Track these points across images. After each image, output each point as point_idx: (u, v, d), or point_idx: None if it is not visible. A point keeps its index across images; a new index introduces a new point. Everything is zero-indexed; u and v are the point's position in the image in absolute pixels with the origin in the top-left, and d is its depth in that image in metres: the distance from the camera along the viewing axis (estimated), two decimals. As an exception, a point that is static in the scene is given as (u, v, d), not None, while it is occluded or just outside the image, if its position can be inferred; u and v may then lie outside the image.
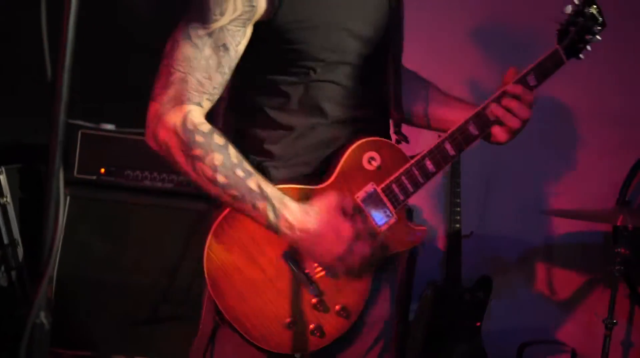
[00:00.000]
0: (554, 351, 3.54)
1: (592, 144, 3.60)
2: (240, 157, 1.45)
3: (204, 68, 1.42)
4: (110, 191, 3.03)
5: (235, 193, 1.43)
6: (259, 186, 1.44)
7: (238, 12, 1.42)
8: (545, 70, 1.63)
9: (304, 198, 1.51)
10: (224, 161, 1.42)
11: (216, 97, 1.48)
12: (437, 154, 1.61)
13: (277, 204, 1.45)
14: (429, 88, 1.82)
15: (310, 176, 1.57)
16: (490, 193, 3.61)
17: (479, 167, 3.55)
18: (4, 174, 2.88)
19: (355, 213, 1.53)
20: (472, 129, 1.62)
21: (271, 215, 1.44)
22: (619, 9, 2.84)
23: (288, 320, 1.52)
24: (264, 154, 1.57)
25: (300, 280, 1.52)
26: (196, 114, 1.43)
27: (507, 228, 3.58)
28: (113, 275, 3.04)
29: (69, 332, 3.01)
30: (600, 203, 3.53)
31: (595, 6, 1.68)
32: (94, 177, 3.01)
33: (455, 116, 1.67)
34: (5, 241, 2.89)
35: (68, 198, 2.97)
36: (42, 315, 0.77)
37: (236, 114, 1.64)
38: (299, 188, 1.53)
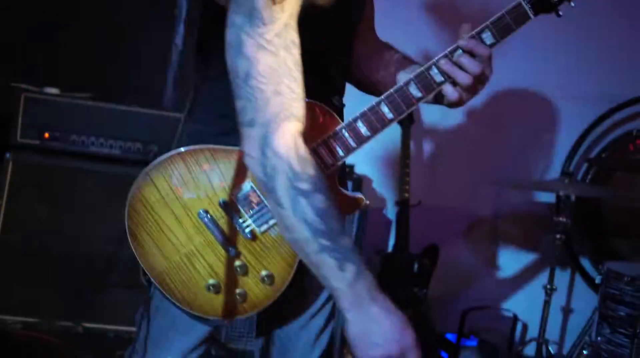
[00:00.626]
0: (496, 317, 3.64)
1: (540, 117, 3.68)
2: (337, 205, 1.33)
3: (288, 72, 1.33)
4: (55, 157, 2.96)
5: (326, 243, 1.30)
6: (353, 246, 1.32)
7: (295, 5, 1.34)
8: (504, 27, 1.48)
9: (221, 155, 1.48)
10: (326, 205, 1.30)
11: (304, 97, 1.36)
12: (371, 116, 1.51)
13: (361, 268, 1.31)
14: (387, 53, 1.76)
15: None
16: (440, 163, 3.67)
17: (429, 137, 3.60)
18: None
19: None
20: (414, 91, 1.51)
21: (351, 277, 1.30)
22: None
23: (209, 281, 1.50)
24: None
25: (218, 240, 1.49)
26: (301, 138, 1.32)
27: (455, 198, 3.65)
28: (59, 243, 2.99)
29: (14, 299, 2.96)
30: (547, 174, 3.64)
31: None
32: (38, 142, 2.94)
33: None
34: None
35: (10, 163, 2.91)
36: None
37: (215, 98, 1.55)
38: (217, 148, 1.49)
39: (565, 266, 3.67)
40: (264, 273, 1.51)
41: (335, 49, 1.61)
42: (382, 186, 3.59)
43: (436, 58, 1.52)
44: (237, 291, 1.51)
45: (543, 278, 3.36)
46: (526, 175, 3.63)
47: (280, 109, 1.32)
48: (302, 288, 1.63)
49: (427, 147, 3.61)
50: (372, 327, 1.31)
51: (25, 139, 2.93)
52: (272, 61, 1.32)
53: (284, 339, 1.74)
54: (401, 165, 3.35)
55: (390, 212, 3.59)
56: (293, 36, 1.35)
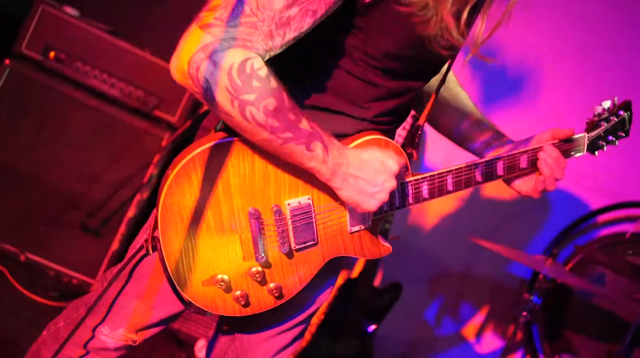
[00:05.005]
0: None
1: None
2: (291, 100, 1.31)
3: (282, 25, 1.26)
4: (53, 78, 2.84)
5: (288, 135, 1.31)
6: (311, 126, 1.33)
7: None
8: (565, 150, 1.73)
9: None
10: (277, 105, 1.28)
11: (277, 52, 1.31)
12: (435, 182, 1.58)
13: (327, 142, 1.35)
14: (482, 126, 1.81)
15: None
16: (429, 206, 3.59)
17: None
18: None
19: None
20: (478, 175, 1.64)
21: (323, 153, 1.35)
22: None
23: (220, 275, 1.42)
24: None
25: (255, 242, 1.42)
26: (258, 61, 1.27)
27: (432, 244, 3.57)
28: (28, 164, 2.87)
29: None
30: (529, 249, 3.57)
31: (630, 113, 1.77)
32: (41, 58, 2.82)
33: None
34: None
35: (7, 70, 2.78)
36: None
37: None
38: None
39: (520, 346, 3.60)
40: (275, 284, 1.48)
41: (425, 78, 1.57)
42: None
43: (521, 149, 1.70)
44: (242, 294, 1.46)
45: (496, 352, 3.28)
46: (508, 244, 3.55)
47: (245, 39, 1.25)
48: (290, 304, 1.57)
49: (423, 186, 3.53)
50: (358, 182, 1.38)
51: (29, 50, 2.81)
52: (277, 4, 1.25)
53: (245, 344, 1.70)
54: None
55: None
56: (319, 8, 1.28)
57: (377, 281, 3.30)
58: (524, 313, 3.00)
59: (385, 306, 3.27)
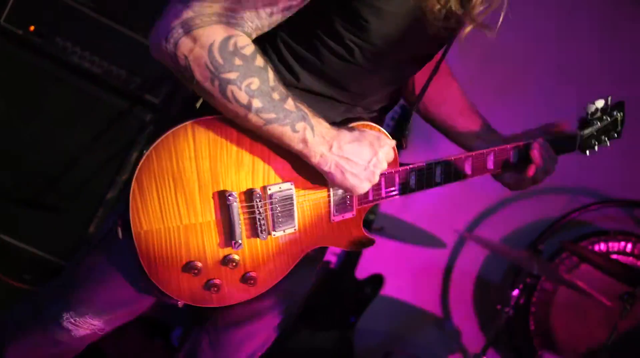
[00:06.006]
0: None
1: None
2: (277, 79, 1.27)
3: (269, 2, 1.22)
4: (33, 53, 2.75)
5: (272, 116, 1.26)
6: (296, 106, 1.29)
7: None
8: (557, 147, 1.69)
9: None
10: (261, 85, 1.24)
11: (265, 31, 1.27)
12: (424, 173, 1.54)
13: (314, 123, 1.31)
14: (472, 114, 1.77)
15: None
16: (414, 197, 3.55)
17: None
18: None
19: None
20: (467, 168, 1.60)
21: (309, 134, 1.30)
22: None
23: (194, 262, 1.36)
24: None
25: (232, 227, 1.36)
26: (242, 39, 1.22)
27: (417, 236, 3.54)
28: (3, 142, 2.78)
29: None
30: (514, 243, 3.55)
31: (622, 114, 1.74)
32: (21, 32, 2.73)
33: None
34: None
35: (-16, 43, 2.70)
36: None
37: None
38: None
39: (502, 342, 3.58)
40: (251, 274, 1.43)
41: (419, 64, 1.53)
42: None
43: (513, 144, 1.66)
44: (215, 281, 1.40)
45: (477, 346, 3.26)
46: (493, 238, 3.53)
47: (230, 16, 1.20)
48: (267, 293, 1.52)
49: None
50: (345, 164, 1.35)
51: (9, 24, 2.72)
52: None
53: (220, 335, 1.63)
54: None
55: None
56: None
57: (358, 273, 3.25)
58: (507, 309, 2.98)
59: (366, 298, 3.24)
